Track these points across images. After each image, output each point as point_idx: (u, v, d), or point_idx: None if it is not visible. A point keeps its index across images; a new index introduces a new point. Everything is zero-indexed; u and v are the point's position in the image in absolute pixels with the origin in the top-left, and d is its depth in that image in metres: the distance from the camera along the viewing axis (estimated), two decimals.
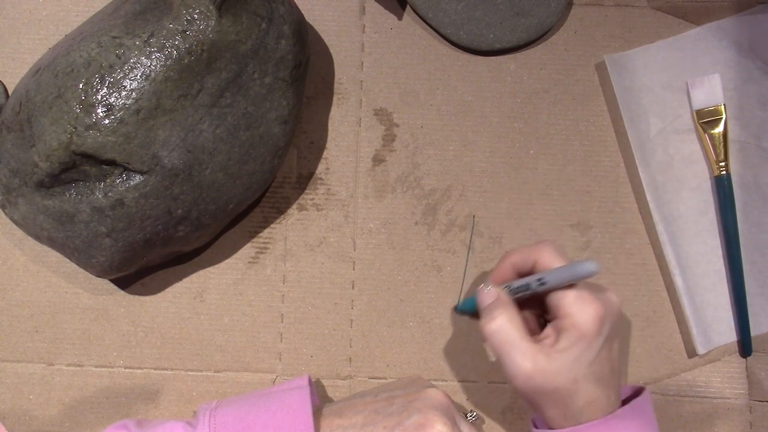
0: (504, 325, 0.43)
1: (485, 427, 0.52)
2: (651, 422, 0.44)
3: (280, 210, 0.54)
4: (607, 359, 0.43)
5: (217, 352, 0.53)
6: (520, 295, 0.45)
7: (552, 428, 0.43)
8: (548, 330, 0.44)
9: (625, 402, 0.44)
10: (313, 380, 0.51)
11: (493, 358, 0.53)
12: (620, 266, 0.54)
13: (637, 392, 0.46)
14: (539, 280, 0.43)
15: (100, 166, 0.45)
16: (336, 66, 0.55)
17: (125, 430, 0.44)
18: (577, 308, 0.42)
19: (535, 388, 0.42)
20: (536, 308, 0.48)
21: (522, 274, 0.46)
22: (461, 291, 0.53)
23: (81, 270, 0.52)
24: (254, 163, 0.48)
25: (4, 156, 0.46)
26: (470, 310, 0.52)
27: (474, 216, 0.53)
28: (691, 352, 0.53)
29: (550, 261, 0.44)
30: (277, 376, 0.53)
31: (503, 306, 0.44)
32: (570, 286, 0.43)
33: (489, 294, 0.45)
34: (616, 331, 0.44)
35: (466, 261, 0.51)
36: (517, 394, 0.45)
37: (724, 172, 0.53)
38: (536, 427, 0.45)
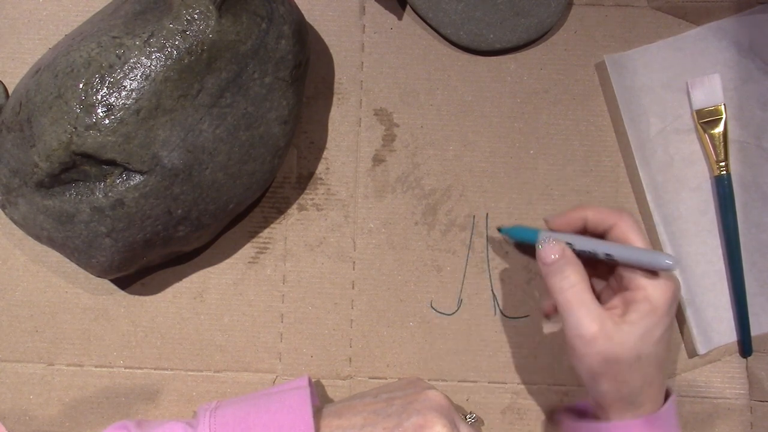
0: (577, 285, 0.42)
1: (485, 427, 0.52)
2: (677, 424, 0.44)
3: (280, 210, 0.54)
4: (667, 341, 0.42)
5: (217, 352, 0.53)
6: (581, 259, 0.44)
7: (602, 406, 0.42)
8: (616, 301, 0.43)
9: None
10: (313, 380, 0.51)
11: (546, 329, 0.52)
12: None
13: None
14: (608, 254, 0.42)
15: (100, 166, 0.45)
16: (336, 66, 0.55)
17: (125, 430, 0.44)
18: (651, 283, 0.41)
19: (597, 353, 0.41)
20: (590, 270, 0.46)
21: (587, 232, 0.45)
22: (461, 291, 0.53)
23: (81, 270, 0.52)
24: (254, 163, 0.48)
25: (4, 156, 0.46)
26: (513, 237, 0.50)
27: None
28: (692, 352, 0.53)
29: (626, 234, 0.43)
30: (277, 376, 0.53)
31: (574, 265, 0.43)
32: None
33: (553, 248, 0.44)
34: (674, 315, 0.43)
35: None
36: (573, 362, 0.43)
37: (724, 172, 0.53)
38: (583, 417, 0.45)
